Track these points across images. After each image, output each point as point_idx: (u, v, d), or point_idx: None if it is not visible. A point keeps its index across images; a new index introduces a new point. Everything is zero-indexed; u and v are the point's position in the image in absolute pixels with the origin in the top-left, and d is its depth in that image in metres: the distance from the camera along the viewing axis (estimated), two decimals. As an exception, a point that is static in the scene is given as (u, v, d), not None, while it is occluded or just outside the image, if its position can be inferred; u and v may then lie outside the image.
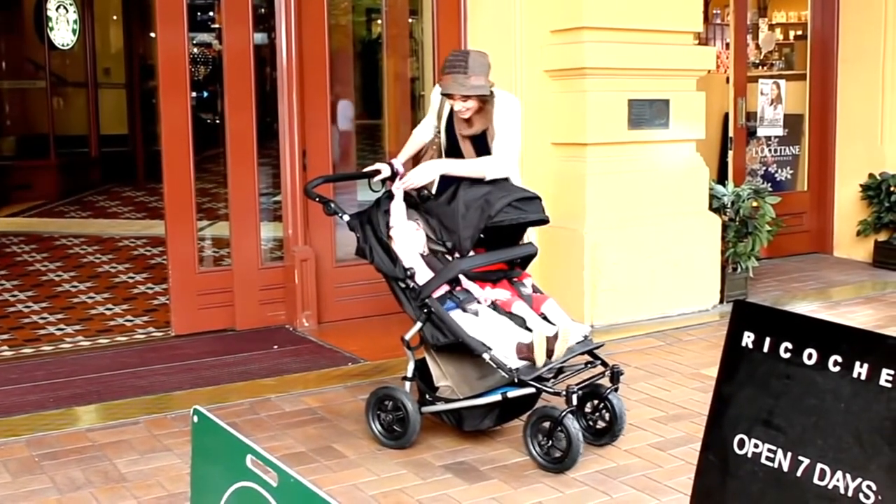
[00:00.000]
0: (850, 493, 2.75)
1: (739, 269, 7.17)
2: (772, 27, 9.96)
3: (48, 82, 12.70)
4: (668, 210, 6.81)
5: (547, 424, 4.17)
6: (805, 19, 9.34)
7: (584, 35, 6.49)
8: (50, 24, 12.58)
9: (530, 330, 4.29)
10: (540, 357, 4.13)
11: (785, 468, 2.86)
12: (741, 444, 2.97)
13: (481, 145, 4.64)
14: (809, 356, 2.89)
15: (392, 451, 4.41)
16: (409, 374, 4.51)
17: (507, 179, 4.60)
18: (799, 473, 2.84)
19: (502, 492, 4.01)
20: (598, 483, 4.06)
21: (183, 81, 6.21)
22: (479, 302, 4.38)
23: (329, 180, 4.94)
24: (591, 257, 6.44)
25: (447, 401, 4.40)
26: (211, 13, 14.06)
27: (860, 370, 2.80)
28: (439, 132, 4.80)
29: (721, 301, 7.02)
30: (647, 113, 6.69)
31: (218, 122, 11.03)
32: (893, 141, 8.73)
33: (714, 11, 10.70)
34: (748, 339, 3.02)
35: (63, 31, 12.76)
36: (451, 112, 4.67)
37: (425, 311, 4.30)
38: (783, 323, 3.01)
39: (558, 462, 4.14)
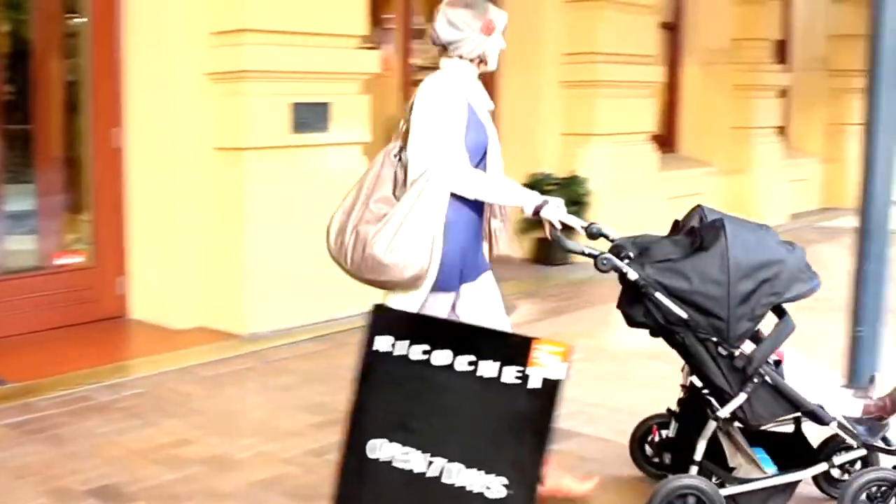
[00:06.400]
0: (483, 490, 2.82)
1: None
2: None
3: None
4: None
5: (881, 489, 3.64)
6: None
7: (245, 37, 6.36)
8: None
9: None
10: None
11: (419, 470, 2.90)
12: (376, 449, 2.98)
13: None
14: (442, 358, 2.95)
15: None
16: (699, 457, 3.68)
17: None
18: (433, 474, 2.88)
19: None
20: None
21: None
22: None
23: None
24: (252, 263, 6.34)
25: (745, 481, 3.67)
26: None
27: (489, 369, 2.89)
28: None
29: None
30: (310, 116, 6.66)
31: None
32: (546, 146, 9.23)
33: (392, 16, 10.86)
34: (384, 342, 3.05)
35: None
36: None
37: (754, 381, 3.58)
38: (417, 326, 3.06)
39: None
